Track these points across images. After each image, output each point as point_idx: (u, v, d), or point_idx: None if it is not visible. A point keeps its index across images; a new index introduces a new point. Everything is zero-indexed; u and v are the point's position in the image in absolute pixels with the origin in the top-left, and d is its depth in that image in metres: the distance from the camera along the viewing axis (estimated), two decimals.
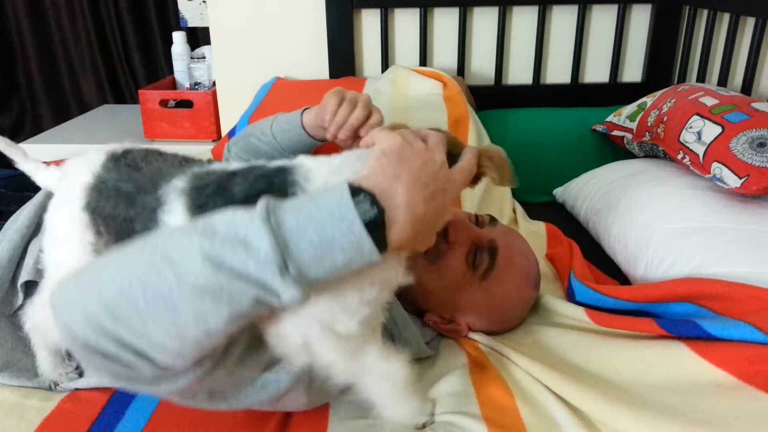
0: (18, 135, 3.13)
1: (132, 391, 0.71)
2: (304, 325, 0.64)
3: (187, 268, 0.56)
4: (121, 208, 0.72)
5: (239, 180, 0.68)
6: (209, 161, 0.78)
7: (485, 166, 0.75)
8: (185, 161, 0.78)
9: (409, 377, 0.73)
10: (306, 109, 1.04)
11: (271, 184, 0.67)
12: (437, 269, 0.94)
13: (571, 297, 1.07)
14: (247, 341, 0.68)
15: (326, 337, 0.65)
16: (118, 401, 0.86)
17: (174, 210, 0.69)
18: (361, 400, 0.74)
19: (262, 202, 0.59)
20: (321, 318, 0.64)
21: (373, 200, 0.59)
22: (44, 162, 0.88)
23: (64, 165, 0.81)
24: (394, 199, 0.61)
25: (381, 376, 0.72)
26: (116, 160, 0.76)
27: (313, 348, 0.66)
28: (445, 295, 0.95)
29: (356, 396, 0.73)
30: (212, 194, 0.68)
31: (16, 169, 0.89)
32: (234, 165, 0.72)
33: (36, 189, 1.01)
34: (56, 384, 0.89)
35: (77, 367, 0.90)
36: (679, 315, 0.94)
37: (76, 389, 0.89)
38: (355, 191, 0.59)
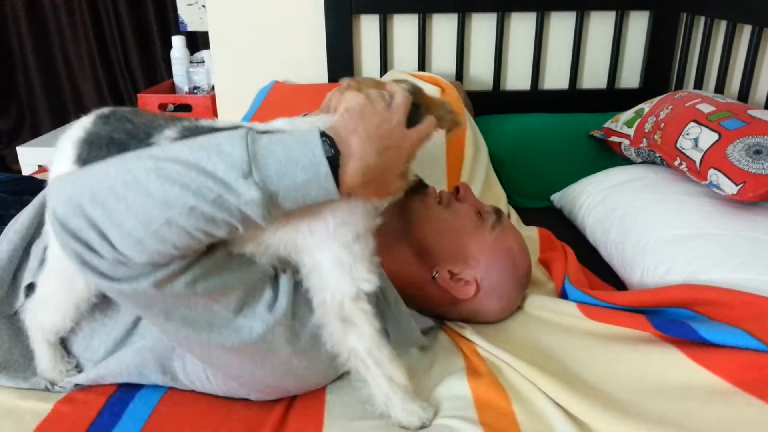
0: (16, 138, 3.14)
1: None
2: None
3: (167, 164, 0.66)
4: (114, 155, 0.74)
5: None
6: (196, 119, 0.82)
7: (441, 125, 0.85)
8: (172, 118, 0.82)
9: (410, 383, 0.80)
10: (304, 116, 1.00)
11: None
12: (450, 213, 1.01)
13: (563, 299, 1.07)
14: (209, 266, 0.72)
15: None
16: (114, 405, 0.86)
17: None
18: (360, 395, 0.78)
19: (244, 128, 0.70)
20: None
21: (332, 143, 0.70)
22: (41, 166, 0.89)
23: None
24: (349, 147, 0.71)
25: (389, 380, 0.78)
26: (106, 117, 0.82)
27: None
28: (457, 238, 0.99)
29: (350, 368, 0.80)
30: None
31: (16, 173, 0.90)
32: (220, 122, 0.79)
33: (35, 192, 1.02)
34: (53, 384, 0.89)
35: (77, 366, 0.90)
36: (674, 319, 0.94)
37: (76, 385, 0.89)
38: (321, 134, 0.70)
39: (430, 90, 1.58)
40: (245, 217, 0.67)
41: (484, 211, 1.04)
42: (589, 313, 0.95)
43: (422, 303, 1.00)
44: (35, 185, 1.27)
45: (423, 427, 0.80)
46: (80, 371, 0.89)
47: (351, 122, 0.73)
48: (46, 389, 0.89)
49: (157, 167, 0.66)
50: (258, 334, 0.76)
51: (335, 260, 0.76)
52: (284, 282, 0.80)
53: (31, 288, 0.91)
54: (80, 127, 0.81)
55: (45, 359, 0.88)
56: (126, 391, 0.88)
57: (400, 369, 0.79)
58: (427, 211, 1.01)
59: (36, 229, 0.95)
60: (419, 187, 1.02)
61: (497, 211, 1.04)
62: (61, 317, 0.86)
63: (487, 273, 0.99)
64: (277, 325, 0.76)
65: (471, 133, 1.56)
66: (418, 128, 0.79)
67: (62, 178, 0.69)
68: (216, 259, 0.74)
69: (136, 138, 0.78)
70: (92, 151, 0.78)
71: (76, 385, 0.89)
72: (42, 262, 0.90)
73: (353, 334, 0.77)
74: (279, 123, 0.80)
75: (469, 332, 0.98)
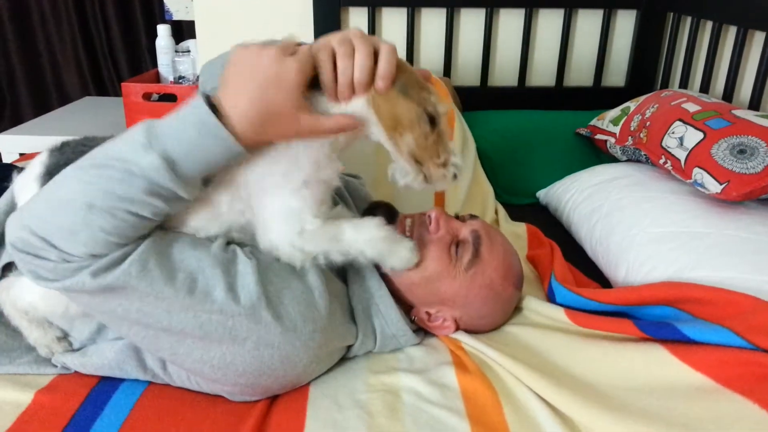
0: None
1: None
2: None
3: (83, 162, 0.73)
4: None
5: None
6: None
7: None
8: None
9: (387, 231, 0.86)
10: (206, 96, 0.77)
11: None
12: (420, 260, 0.93)
13: (551, 299, 1.07)
14: (149, 251, 0.75)
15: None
16: (97, 397, 0.85)
17: None
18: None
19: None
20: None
21: (209, 98, 0.74)
22: (22, 154, 0.89)
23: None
24: (227, 99, 0.74)
25: (365, 245, 0.84)
26: (59, 148, 0.87)
27: None
28: (429, 286, 0.94)
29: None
30: None
31: None
32: None
33: (11, 180, 1.00)
34: (52, 353, 0.89)
35: (66, 336, 0.90)
36: (659, 318, 0.95)
37: (64, 368, 0.89)
38: (205, 96, 0.74)
39: None
40: (154, 186, 0.71)
41: (461, 241, 0.96)
42: (575, 320, 0.95)
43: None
44: (15, 172, 1.25)
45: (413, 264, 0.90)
46: (71, 345, 0.89)
47: (229, 77, 0.75)
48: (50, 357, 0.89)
49: (75, 167, 0.74)
50: (218, 321, 0.77)
51: (284, 205, 0.80)
52: (247, 266, 0.80)
53: (6, 269, 0.90)
54: (38, 163, 0.86)
55: (34, 331, 0.88)
56: (109, 383, 0.88)
57: (370, 227, 0.85)
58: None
59: None
60: (387, 219, 0.93)
61: (476, 240, 0.95)
62: (48, 312, 0.87)
63: (465, 311, 0.96)
64: (236, 314, 0.77)
65: (459, 128, 1.56)
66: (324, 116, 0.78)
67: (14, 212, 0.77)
68: (158, 244, 0.77)
69: None
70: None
71: (63, 367, 0.89)
72: None
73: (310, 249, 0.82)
74: None
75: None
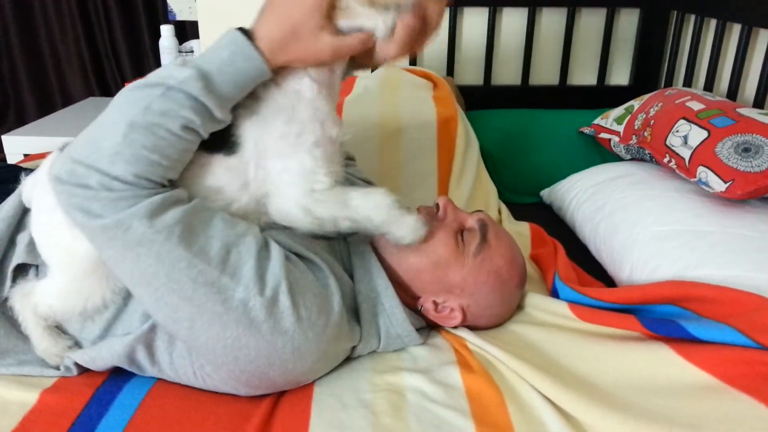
0: (1, 127, 3.10)
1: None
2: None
3: (127, 89, 0.79)
4: None
5: None
6: None
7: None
8: None
9: (394, 200, 0.88)
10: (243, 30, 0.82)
11: None
12: (426, 245, 0.95)
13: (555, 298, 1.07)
14: (193, 210, 0.79)
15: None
16: (102, 396, 0.85)
17: None
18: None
19: None
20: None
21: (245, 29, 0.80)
22: (26, 155, 0.89)
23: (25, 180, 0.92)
24: (258, 22, 0.80)
25: (372, 211, 0.87)
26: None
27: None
28: (436, 273, 0.95)
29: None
30: None
31: (0, 161, 0.90)
32: None
33: (18, 182, 1.01)
34: (58, 367, 0.89)
35: (76, 343, 0.90)
36: (663, 316, 0.94)
37: (75, 364, 0.89)
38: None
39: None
40: (190, 99, 0.75)
41: (468, 229, 0.97)
42: (579, 314, 0.95)
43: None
44: (20, 174, 1.25)
45: (422, 236, 0.91)
46: (79, 348, 0.89)
47: (263, 8, 0.81)
48: (58, 368, 0.89)
49: (118, 96, 0.79)
50: (240, 299, 0.77)
51: (299, 166, 0.83)
52: (277, 253, 0.82)
53: (18, 271, 0.90)
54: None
55: (44, 341, 0.88)
56: (114, 382, 0.88)
57: (377, 196, 0.87)
58: (401, 247, 0.94)
59: (21, 218, 0.94)
60: None
61: (482, 227, 0.97)
62: (66, 311, 0.87)
63: (473, 299, 0.96)
64: (258, 295, 0.78)
65: (462, 127, 1.56)
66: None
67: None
68: (201, 207, 0.80)
69: None
70: None
71: (75, 363, 0.89)
72: (28, 245, 0.90)
73: (320, 213, 0.85)
74: None
75: (459, 328, 0.98)
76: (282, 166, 0.84)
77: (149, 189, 0.76)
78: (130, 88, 0.78)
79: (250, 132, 0.83)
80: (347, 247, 0.98)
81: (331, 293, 0.85)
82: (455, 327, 0.99)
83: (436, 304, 0.96)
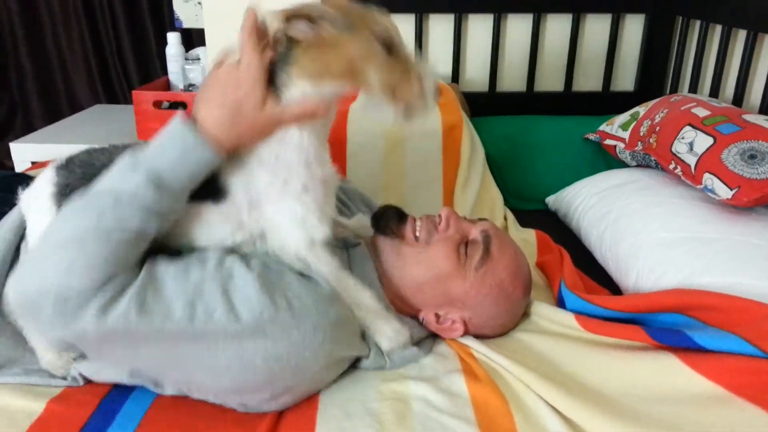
0: (8, 134, 3.11)
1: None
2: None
3: (74, 201, 0.78)
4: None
5: None
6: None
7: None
8: (122, 148, 0.87)
9: (381, 307, 0.88)
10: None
11: None
12: (427, 258, 0.95)
13: (561, 306, 1.07)
14: (148, 279, 0.77)
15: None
16: (108, 406, 0.85)
17: None
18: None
19: None
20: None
21: (185, 116, 0.79)
22: (34, 162, 0.90)
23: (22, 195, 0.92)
24: (198, 111, 0.79)
25: (356, 307, 0.86)
26: (65, 166, 0.87)
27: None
28: (438, 286, 0.94)
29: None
30: None
31: (8, 169, 0.90)
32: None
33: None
34: (65, 378, 0.89)
35: (81, 354, 0.90)
36: (669, 325, 0.94)
37: (80, 375, 0.89)
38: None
39: None
40: (145, 204, 0.75)
41: (471, 242, 0.96)
42: (586, 326, 0.95)
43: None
44: (27, 182, 1.26)
45: (405, 345, 0.90)
46: (84, 359, 0.89)
47: (202, 93, 0.81)
48: (65, 378, 0.89)
49: (67, 209, 0.78)
50: (223, 345, 0.77)
51: (289, 213, 0.83)
52: (246, 279, 0.80)
53: None
54: (47, 182, 0.86)
55: (48, 353, 0.88)
56: (119, 392, 0.88)
57: (365, 295, 0.87)
58: (402, 260, 0.96)
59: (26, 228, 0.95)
60: (394, 219, 0.99)
61: (486, 239, 0.96)
62: None
63: (475, 311, 0.96)
64: (240, 334, 0.77)
65: (467, 134, 1.56)
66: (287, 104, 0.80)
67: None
68: (153, 276, 0.78)
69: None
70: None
71: (80, 374, 0.89)
72: None
73: (314, 268, 0.85)
74: None
75: (464, 336, 0.98)
76: (274, 209, 0.83)
77: (100, 289, 0.74)
78: (78, 203, 0.77)
79: (238, 179, 0.82)
80: (348, 258, 0.97)
81: (322, 292, 0.84)
82: None
83: (437, 316, 0.96)
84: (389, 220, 0.99)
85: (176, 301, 0.76)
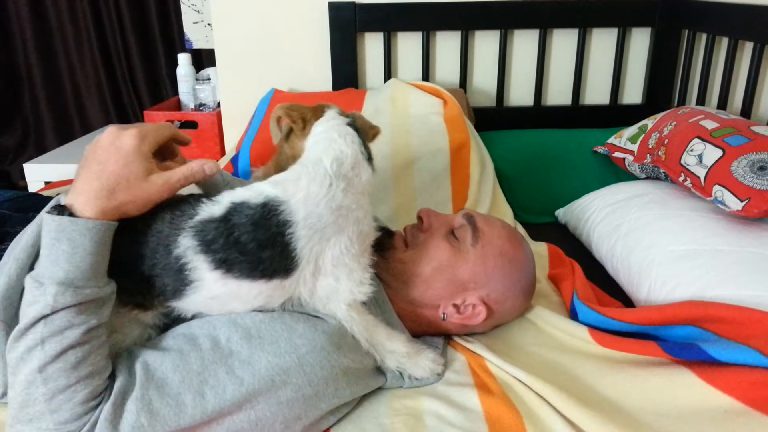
0: (21, 154, 3.15)
1: None
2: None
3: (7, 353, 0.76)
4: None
5: (239, 227, 0.79)
6: (192, 200, 0.83)
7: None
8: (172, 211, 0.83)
9: (407, 351, 0.90)
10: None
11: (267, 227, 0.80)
12: (422, 254, 0.98)
13: (573, 318, 1.07)
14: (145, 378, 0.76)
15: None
16: None
17: (199, 267, 0.78)
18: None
19: None
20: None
21: (53, 210, 0.76)
22: (47, 182, 0.90)
23: None
24: (74, 190, 0.78)
25: (393, 352, 0.89)
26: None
27: None
28: (444, 276, 0.97)
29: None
30: (224, 247, 0.78)
31: (22, 189, 0.91)
32: (216, 207, 0.81)
33: (40, 209, 1.02)
34: None
35: None
36: (683, 338, 0.94)
37: None
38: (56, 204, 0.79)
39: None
40: (71, 311, 0.73)
41: (458, 227, 1.01)
42: (600, 340, 0.95)
43: (440, 332, 1.00)
44: (41, 202, 1.27)
45: (439, 375, 0.91)
46: None
47: (79, 169, 0.81)
48: None
49: (10, 350, 0.75)
50: (244, 416, 0.77)
51: (348, 274, 0.84)
52: (240, 354, 0.79)
53: None
54: None
55: None
56: None
57: (398, 343, 0.89)
58: (402, 265, 1.00)
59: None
60: (385, 237, 1.01)
61: (470, 219, 1.01)
62: None
63: (489, 287, 0.98)
64: (257, 393, 0.77)
65: (476, 152, 1.56)
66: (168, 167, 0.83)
67: None
68: (150, 373, 0.76)
69: (157, 252, 0.81)
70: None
71: None
72: None
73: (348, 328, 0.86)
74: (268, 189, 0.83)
75: (478, 347, 0.98)
76: (332, 279, 0.84)
77: (91, 407, 0.73)
78: (12, 355, 0.74)
79: (310, 250, 0.81)
80: None
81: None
82: (470, 341, 0.99)
83: (456, 306, 0.97)
84: (381, 239, 0.99)
85: (185, 394, 0.75)
